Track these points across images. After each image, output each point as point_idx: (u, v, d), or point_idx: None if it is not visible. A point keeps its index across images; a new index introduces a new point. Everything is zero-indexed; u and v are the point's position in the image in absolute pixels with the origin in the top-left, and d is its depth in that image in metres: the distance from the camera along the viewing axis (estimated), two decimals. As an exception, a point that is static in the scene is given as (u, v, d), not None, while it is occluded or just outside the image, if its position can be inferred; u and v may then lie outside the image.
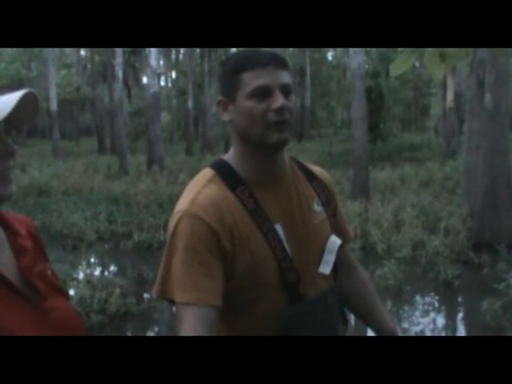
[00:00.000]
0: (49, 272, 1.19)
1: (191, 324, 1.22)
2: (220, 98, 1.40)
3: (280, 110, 1.30)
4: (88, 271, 6.84)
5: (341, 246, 1.49)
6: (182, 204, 1.33)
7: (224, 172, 1.39)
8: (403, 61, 2.24)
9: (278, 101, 1.30)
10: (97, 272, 7.45)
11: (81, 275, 6.77)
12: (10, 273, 1.07)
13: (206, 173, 1.41)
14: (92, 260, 8.12)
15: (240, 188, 1.36)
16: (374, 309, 1.66)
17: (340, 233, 1.55)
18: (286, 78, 1.34)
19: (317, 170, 1.59)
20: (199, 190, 1.34)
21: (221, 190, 1.35)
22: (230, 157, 1.43)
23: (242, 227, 1.33)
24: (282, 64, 1.35)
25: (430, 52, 2.20)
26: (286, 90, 1.33)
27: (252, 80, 1.31)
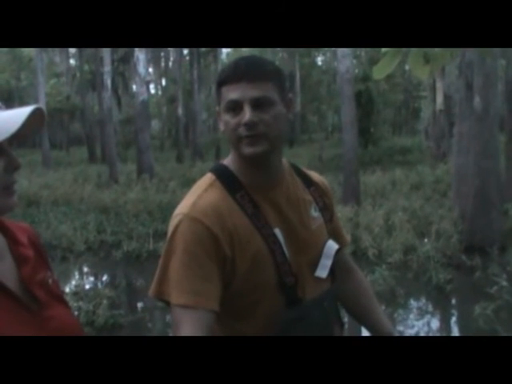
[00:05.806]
0: (50, 280, 1.19)
1: (188, 327, 1.23)
2: (217, 108, 1.43)
3: (248, 125, 1.31)
4: (77, 282, 6.75)
5: (338, 251, 1.50)
6: (183, 207, 1.35)
7: (224, 177, 1.41)
8: (386, 63, 2.18)
9: (246, 116, 1.30)
10: (85, 283, 7.35)
11: (69, 287, 6.67)
12: (11, 281, 1.07)
13: (207, 177, 1.43)
14: (81, 271, 8.03)
15: (240, 193, 1.38)
16: (371, 311, 1.67)
17: (336, 237, 1.57)
18: (259, 91, 1.31)
19: (314, 175, 1.60)
20: (200, 194, 1.36)
21: (221, 194, 1.37)
22: (229, 161, 1.45)
23: (242, 231, 1.34)
24: (258, 77, 1.32)
25: (413, 54, 2.14)
26: (259, 104, 1.32)
27: (226, 94, 1.34)
